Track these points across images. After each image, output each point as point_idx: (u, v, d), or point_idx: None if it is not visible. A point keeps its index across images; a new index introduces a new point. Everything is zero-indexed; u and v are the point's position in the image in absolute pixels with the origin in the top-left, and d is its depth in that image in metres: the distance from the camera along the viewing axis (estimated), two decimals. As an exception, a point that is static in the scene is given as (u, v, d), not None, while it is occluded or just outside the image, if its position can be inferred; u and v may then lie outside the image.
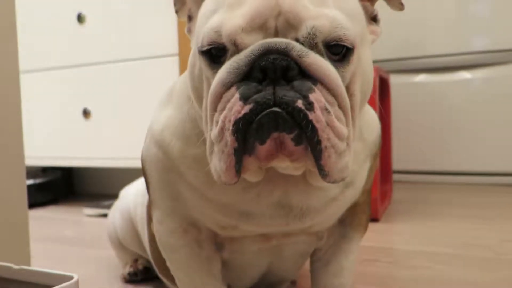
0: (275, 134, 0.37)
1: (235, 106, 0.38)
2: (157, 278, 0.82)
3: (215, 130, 0.40)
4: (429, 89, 1.95)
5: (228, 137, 0.38)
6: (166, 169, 0.51)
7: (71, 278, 0.51)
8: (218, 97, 0.39)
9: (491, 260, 0.89)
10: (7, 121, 0.75)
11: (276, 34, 0.39)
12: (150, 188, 0.55)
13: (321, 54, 0.39)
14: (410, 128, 1.97)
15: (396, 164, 1.88)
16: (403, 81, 1.97)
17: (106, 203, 1.52)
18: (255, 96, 0.37)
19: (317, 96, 0.38)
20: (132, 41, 1.45)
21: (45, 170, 1.85)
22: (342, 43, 0.39)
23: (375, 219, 1.24)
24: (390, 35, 1.93)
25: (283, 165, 0.42)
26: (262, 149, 0.38)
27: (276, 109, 0.37)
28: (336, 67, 0.39)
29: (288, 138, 0.38)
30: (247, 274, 0.62)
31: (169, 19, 1.37)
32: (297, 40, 0.39)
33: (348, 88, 0.41)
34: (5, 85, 0.75)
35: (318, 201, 0.50)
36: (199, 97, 0.44)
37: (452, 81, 1.92)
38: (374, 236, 1.10)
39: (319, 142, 0.37)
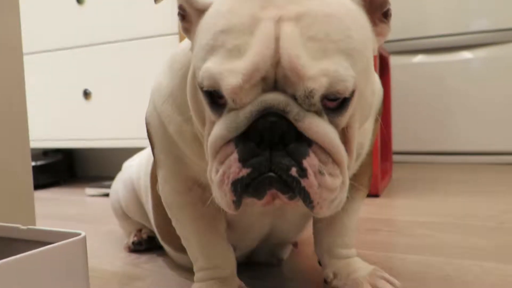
0: (271, 191, 0.40)
1: (233, 167, 0.40)
2: (161, 247, 0.83)
3: (216, 177, 0.42)
4: (428, 70, 1.95)
5: (227, 192, 0.41)
6: (167, 136, 0.52)
7: (77, 234, 0.52)
8: (217, 150, 0.41)
9: (492, 228, 0.89)
10: (11, 104, 0.75)
11: (275, 84, 0.39)
12: (154, 149, 0.56)
13: (318, 111, 0.39)
14: (409, 109, 1.97)
15: (396, 145, 1.89)
16: (402, 62, 1.97)
17: (108, 183, 1.53)
18: (252, 161, 0.39)
19: (311, 160, 0.39)
20: (132, 21, 1.44)
21: (46, 153, 1.85)
22: (340, 96, 0.39)
23: (375, 195, 1.25)
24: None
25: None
26: (259, 202, 0.42)
27: (272, 174, 0.39)
28: (332, 116, 0.40)
29: (282, 196, 0.41)
30: (250, 235, 0.62)
31: (169, -3, 1.36)
32: (294, 97, 0.39)
33: (345, 125, 0.42)
34: (9, 67, 0.75)
35: None
36: (202, 119, 0.45)
37: (451, 62, 1.92)
38: (375, 209, 1.11)
39: (311, 201, 0.40)
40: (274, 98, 0.38)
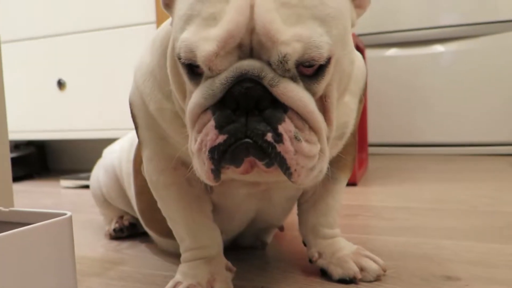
0: (248, 158, 0.41)
1: (210, 134, 0.40)
2: (143, 234, 0.82)
3: (194, 146, 0.42)
4: (401, 63, 2.00)
5: (205, 159, 0.41)
6: (149, 115, 0.52)
7: (63, 214, 0.51)
8: (195, 118, 0.42)
9: (466, 211, 0.93)
10: None
11: (251, 51, 0.39)
12: (138, 129, 0.55)
13: (293, 76, 0.40)
14: (383, 102, 2.01)
15: (371, 137, 1.92)
16: (376, 55, 2.00)
17: (84, 175, 1.50)
18: (229, 127, 0.40)
19: (286, 126, 0.40)
20: (108, 9, 1.42)
21: (17, 146, 1.80)
22: (315, 63, 0.39)
23: (353, 183, 1.27)
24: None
25: (257, 178, 0.46)
26: (237, 170, 0.42)
27: (248, 140, 0.40)
28: (309, 83, 0.40)
29: (260, 163, 0.41)
30: (236, 218, 0.63)
31: (146, -15, 1.35)
32: (269, 63, 0.39)
33: (326, 89, 0.42)
34: None
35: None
36: (182, 92, 0.46)
37: (423, 55, 1.96)
38: (353, 197, 1.13)
39: (288, 167, 0.40)
40: (249, 64, 0.39)
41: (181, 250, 0.57)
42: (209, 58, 0.38)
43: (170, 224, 0.58)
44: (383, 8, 1.98)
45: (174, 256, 0.69)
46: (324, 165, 0.43)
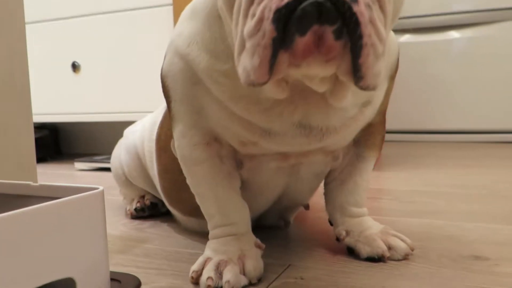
0: (315, 27, 0.36)
1: None
2: (165, 214, 0.83)
3: (250, 23, 0.38)
4: (415, 50, 1.98)
5: (267, 26, 0.37)
6: (191, 82, 0.51)
7: (96, 189, 0.51)
8: None
9: (488, 195, 0.92)
10: (14, 76, 0.73)
11: None
12: (171, 103, 0.55)
13: None
14: (396, 88, 1.99)
15: (384, 123, 1.91)
16: (391, 41, 1.98)
17: (98, 157, 1.51)
18: None
19: None
20: (123, -9, 1.41)
21: (31, 129, 1.81)
22: None
23: (369, 168, 1.26)
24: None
25: (314, 70, 0.40)
26: (301, 41, 0.37)
27: None
28: None
29: (329, 31, 0.36)
30: (264, 195, 0.62)
31: (162, -34, 1.34)
32: None
33: None
34: (11, 40, 0.73)
35: (338, 121, 0.51)
36: (230, 3, 0.44)
37: (437, 41, 1.94)
38: (372, 181, 1.13)
39: (360, 37, 0.36)
40: None
41: (210, 227, 0.57)
42: None
43: (199, 200, 0.58)
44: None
45: (198, 234, 0.69)
46: (383, 68, 0.39)
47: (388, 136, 2.02)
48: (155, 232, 0.74)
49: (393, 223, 0.74)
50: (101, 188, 0.50)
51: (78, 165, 1.49)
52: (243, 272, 0.52)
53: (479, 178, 1.10)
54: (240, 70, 0.40)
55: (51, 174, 1.44)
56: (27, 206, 0.52)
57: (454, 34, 1.92)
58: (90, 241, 0.48)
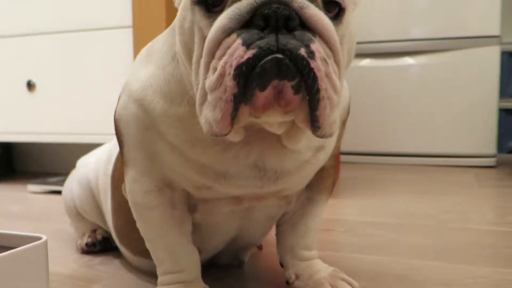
0: (275, 82, 0.38)
1: (237, 51, 0.38)
2: (116, 248, 0.81)
3: (212, 77, 0.39)
4: (374, 74, 2.04)
5: (228, 82, 0.38)
6: (144, 128, 0.51)
7: (39, 238, 0.50)
8: (217, 44, 0.39)
9: (434, 228, 0.96)
10: None
11: None
12: (124, 148, 0.54)
13: (319, 9, 0.40)
14: (355, 111, 2.04)
15: (342, 146, 1.96)
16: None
17: (53, 179, 1.46)
18: (258, 42, 0.38)
19: (317, 46, 0.39)
20: (83, 11, 1.39)
21: (-18, 147, 1.74)
22: (338, 0, 0.41)
23: (325, 194, 1.29)
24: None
25: (273, 119, 0.42)
26: (261, 96, 0.38)
27: (279, 55, 0.38)
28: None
29: (288, 86, 0.38)
30: (217, 237, 0.63)
31: (123, -11, 1.33)
32: None
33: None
34: None
35: (292, 164, 0.52)
36: (189, 52, 0.44)
37: (394, 67, 2.01)
38: (327, 209, 1.15)
39: (317, 91, 0.38)
40: None
41: (159, 273, 0.57)
42: None
43: (148, 245, 0.57)
44: (357, 18, 2.02)
45: (148, 274, 0.69)
46: (338, 117, 0.42)
47: (347, 158, 2.07)
48: (106, 270, 0.73)
49: (343, 259, 0.76)
50: (44, 238, 0.50)
51: (31, 187, 1.44)
52: (192, 321, 0.52)
53: (428, 207, 1.15)
54: (202, 121, 0.41)
55: (3, 197, 1.39)
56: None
57: (409, 60, 2.00)
58: (32, 293, 0.47)
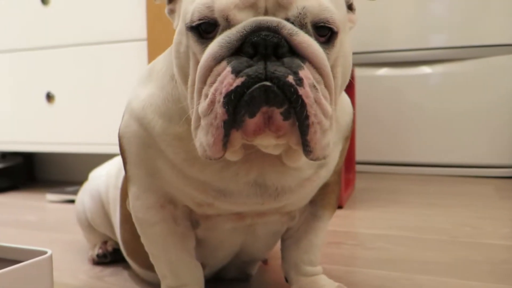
0: (264, 108, 0.39)
1: (226, 79, 0.39)
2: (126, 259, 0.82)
3: (204, 103, 0.41)
4: (391, 83, 2.02)
5: (218, 109, 0.39)
6: (145, 146, 0.52)
7: (44, 253, 0.51)
8: (208, 71, 0.40)
9: (447, 242, 0.94)
10: None
11: (266, 13, 0.41)
12: (127, 164, 0.55)
13: (310, 35, 0.41)
14: (372, 121, 2.03)
15: (359, 155, 1.94)
16: (366, 74, 2.02)
17: (71, 189, 1.50)
18: (246, 70, 0.39)
19: (306, 73, 0.39)
20: (99, 24, 1.42)
21: (4, 156, 1.79)
22: (329, 25, 0.41)
23: (339, 206, 1.28)
24: (354, 30, 1.97)
25: (266, 143, 0.43)
26: (251, 122, 0.39)
27: (268, 83, 0.38)
28: (322, 48, 0.41)
29: (277, 113, 0.39)
30: (221, 252, 0.63)
31: (138, 2, 1.35)
32: (287, 19, 0.40)
33: (331, 71, 0.42)
34: None
35: (293, 181, 0.52)
36: (185, 75, 0.45)
37: (412, 76, 1.99)
38: (339, 221, 1.14)
39: (307, 117, 0.39)
40: (267, 18, 0.40)
41: (162, 287, 0.58)
42: (228, 7, 0.40)
43: (152, 260, 0.58)
44: (375, 27, 2.01)
45: (155, 286, 0.69)
46: (331, 140, 0.42)
47: (362, 167, 2.05)
48: (115, 282, 0.74)
49: (351, 274, 0.76)
50: (49, 252, 0.51)
51: (50, 196, 1.47)
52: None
53: (443, 221, 1.12)
54: (197, 144, 0.42)
55: (22, 206, 1.43)
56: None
57: (426, 69, 1.97)
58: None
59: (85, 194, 0.85)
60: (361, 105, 1.91)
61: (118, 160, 0.82)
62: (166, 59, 0.53)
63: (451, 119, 1.93)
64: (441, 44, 1.94)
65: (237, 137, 0.40)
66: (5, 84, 1.58)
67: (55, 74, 1.49)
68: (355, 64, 1.93)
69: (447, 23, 1.93)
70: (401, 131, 2.01)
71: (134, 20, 1.36)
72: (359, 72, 1.96)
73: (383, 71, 2.03)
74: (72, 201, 1.41)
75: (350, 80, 0.49)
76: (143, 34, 1.36)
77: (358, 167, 1.99)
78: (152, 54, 1.32)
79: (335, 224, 1.10)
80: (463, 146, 1.92)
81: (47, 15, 1.49)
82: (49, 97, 1.50)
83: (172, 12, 0.50)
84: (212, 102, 0.40)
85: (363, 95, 1.94)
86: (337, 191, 0.64)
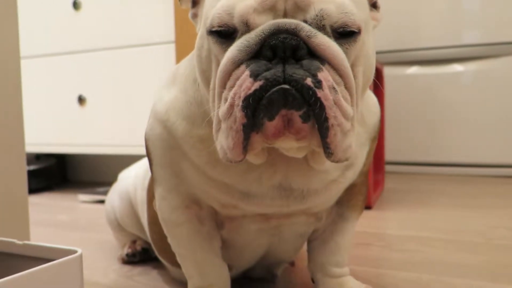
0: (283, 111, 0.39)
1: (245, 83, 0.39)
2: (155, 259, 0.83)
3: (223, 107, 0.41)
4: (421, 81, 1.98)
5: (238, 113, 0.39)
6: (169, 148, 0.53)
7: (74, 252, 0.52)
8: (228, 75, 0.41)
9: (481, 244, 0.91)
10: (8, 107, 0.75)
11: (285, 15, 0.41)
12: (153, 166, 0.56)
13: (329, 36, 0.40)
14: (402, 120, 1.99)
15: (388, 155, 1.91)
16: (396, 73, 1.99)
17: (102, 189, 1.53)
18: (265, 74, 0.39)
19: (325, 75, 0.39)
20: (128, 28, 1.45)
21: (38, 157, 1.85)
22: (349, 29, 0.41)
23: (368, 207, 1.26)
24: (383, 28, 1.94)
25: (288, 145, 0.43)
26: (270, 125, 0.39)
27: (286, 86, 0.38)
28: (342, 45, 0.41)
29: (296, 115, 0.39)
30: (247, 254, 0.63)
31: (166, 6, 1.37)
32: (305, 21, 0.40)
33: (351, 70, 0.42)
34: (6, 71, 0.75)
35: (319, 184, 0.52)
36: (207, 78, 0.46)
37: (444, 74, 1.94)
38: (367, 222, 1.12)
39: (326, 119, 0.39)
40: (285, 20, 0.40)
41: (189, 287, 0.58)
42: (247, 11, 0.40)
43: (179, 259, 0.59)
44: (404, 24, 1.97)
45: (183, 285, 0.70)
46: (353, 141, 0.42)
47: (392, 168, 2.01)
48: (143, 282, 0.75)
49: (380, 276, 0.74)
50: (79, 252, 0.52)
51: (82, 197, 1.51)
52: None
53: (476, 222, 1.09)
54: (218, 147, 0.43)
55: (55, 206, 1.47)
56: (9, 264, 0.54)
57: (458, 67, 1.92)
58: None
59: (115, 195, 0.86)
60: (390, 104, 1.88)
61: (145, 161, 0.83)
62: (189, 62, 0.53)
63: (484, 118, 1.87)
64: (474, 41, 1.89)
65: (257, 140, 0.40)
66: (40, 88, 1.63)
67: (87, 77, 1.53)
68: (384, 63, 1.90)
69: (480, 19, 1.87)
70: (432, 131, 1.96)
71: (163, 23, 1.38)
72: (389, 71, 1.93)
73: (413, 70, 1.99)
74: (103, 202, 1.44)
75: (378, 80, 0.48)
76: (171, 36, 1.38)
77: (388, 167, 1.95)
78: (180, 57, 1.34)
79: (363, 225, 1.09)
80: (497, 145, 1.86)
81: (79, 20, 1.52)
82: (81, 100, 1.54)
83: (195, 16, 0.51)
84: (232, 106, 0.40)
85: (392, 94, 1.91)
86: (365, 192, 0.63)
